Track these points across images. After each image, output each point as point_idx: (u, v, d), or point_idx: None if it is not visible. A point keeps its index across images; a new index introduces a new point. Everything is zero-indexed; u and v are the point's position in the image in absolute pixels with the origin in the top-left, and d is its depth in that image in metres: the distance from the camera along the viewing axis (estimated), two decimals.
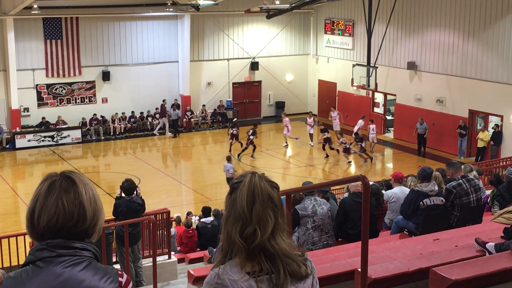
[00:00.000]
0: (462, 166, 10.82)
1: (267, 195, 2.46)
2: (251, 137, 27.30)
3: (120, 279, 2.38)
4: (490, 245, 6.34)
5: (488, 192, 11.48)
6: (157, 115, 33.06)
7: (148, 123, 32.93)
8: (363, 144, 26.60)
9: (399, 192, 10.71)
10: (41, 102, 31.01)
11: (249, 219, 2.43)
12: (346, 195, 11.22)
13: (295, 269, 2.46)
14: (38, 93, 30.93)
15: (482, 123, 26.92)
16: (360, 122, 29.25)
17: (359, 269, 5.17)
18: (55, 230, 2.33)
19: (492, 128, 26.17)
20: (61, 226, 2.32)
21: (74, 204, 2.33)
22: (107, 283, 2.33)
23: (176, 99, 33.34)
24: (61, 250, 2.32)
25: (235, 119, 30.13)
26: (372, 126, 28.47)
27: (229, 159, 23.57)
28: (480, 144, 25.98)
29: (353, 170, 26.37)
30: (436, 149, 28.08)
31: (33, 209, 2.35)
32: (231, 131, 28.01)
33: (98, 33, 31.82)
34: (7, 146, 29.67)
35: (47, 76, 30.91)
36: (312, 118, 30.39)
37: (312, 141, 30.13)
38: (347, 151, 26.32)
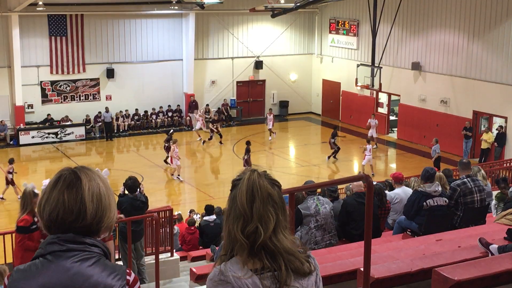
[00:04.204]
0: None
1: (266, 192, 2.47)
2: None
3: (128, 277, 2.39)
4: (494, 247, 6.33)
5: (495, 193, 11.44)
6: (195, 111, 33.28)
7: (152, 120, 32.95)
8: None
9: (402, 192, 10.72)
10: (45, 99, 31.06)
11: (250, 216, 2.44)
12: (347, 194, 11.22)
13: (298, 266, 2.46)
14: (43, 90, 30.98)
15: (486, 124, 26.87)
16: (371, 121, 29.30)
17: (362, 269, 5.17)
18: (57, 224, 2.34)
19: (496, 129, 26.13)
20: (62, 220, 2.34)
21: (75, 200, 2.34)
22: (115, 280, 2.33)
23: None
24: (71, 244, 2.33)
25: (171, 130, 27.39)
26: (369, 147, 25.02)
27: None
28: (484, 146, 25.93)
29: (356, 170, 26.34)
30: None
31: (40, 201, 2.40)
32: (166, 145, 26.05)
33: (102, 30, 31.85)
34: (11, 142, 29.73)
35: (51, 73, 30.96)
36: (272, 115, 31.00)
37: (271, 136, 30.86)
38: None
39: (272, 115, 31.14)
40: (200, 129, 30.72)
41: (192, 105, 33.21)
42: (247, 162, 24.40)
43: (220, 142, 30.02)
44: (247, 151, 24.75)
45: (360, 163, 26.84)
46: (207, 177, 25.78)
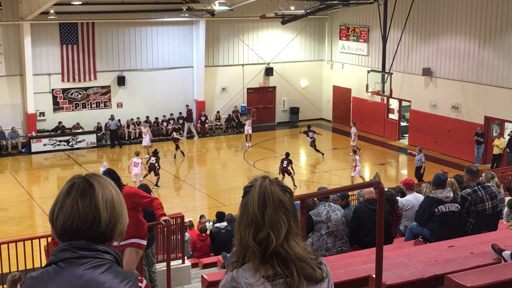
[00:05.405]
0: (484, 174, 10.75)
1: (278, 199, 2.48)
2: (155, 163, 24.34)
3: (139, 284, 2.39)
4: (507, 253, 6.29)
5: (507, 199, 11.38)
6: (181, 120, 33.18)
7: (163, 128, 33.02)
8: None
9: (413, 199, 10.69)
10: (56, 107, 31.22)
11: (262, 223, 2.45)
12: (357, 203, 11.18)
13: (310, 273, 2.46)
14: (54, 98, 31.14)
15: (498, 130, 26.75)
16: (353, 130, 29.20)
17: (374, 275, 5.15)
18: (71, 232, 2.35)
19: (508, 135, 26.00)
20: (76, 228, 2.34)
21: (89, 208, 2.35)
22: (127, 287, 2.34)
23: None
24: (84, 251, 2.34)
25: (156, 149, 25.79)
26: (357, 157, 24.32)
27: None
28: (496, 151, 25.81)
29: (367, 176, 26.27)
30: (451, 156, 27.92)
31: (52, 209, 2.40)
32: (151, 161, 24.55)
33: (113, 38, 32.02)
34: (23, 150, 29.89)
35: (63, 80, 31.13)
36: (251, 119, 31.16)
37: (249, 142, 31.13)
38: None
39: (251, 119, 31.19)
40: (150, 146, 28.75)
41: (187, 114, 33.16)
42: (285, 171, 23.98)
43: (182, 153, 29.05)
44: (290, 161, 24.16)
45: (372, 170, 26.76)
46: (218, 184, 25.78)
